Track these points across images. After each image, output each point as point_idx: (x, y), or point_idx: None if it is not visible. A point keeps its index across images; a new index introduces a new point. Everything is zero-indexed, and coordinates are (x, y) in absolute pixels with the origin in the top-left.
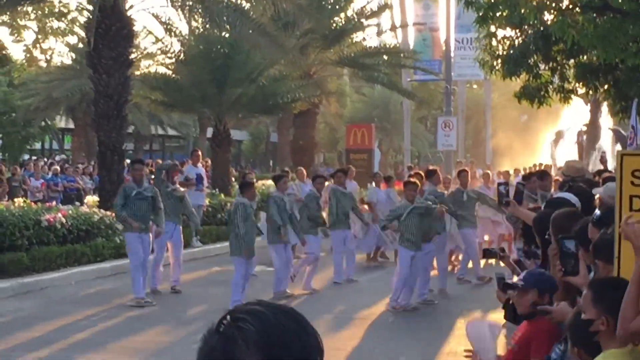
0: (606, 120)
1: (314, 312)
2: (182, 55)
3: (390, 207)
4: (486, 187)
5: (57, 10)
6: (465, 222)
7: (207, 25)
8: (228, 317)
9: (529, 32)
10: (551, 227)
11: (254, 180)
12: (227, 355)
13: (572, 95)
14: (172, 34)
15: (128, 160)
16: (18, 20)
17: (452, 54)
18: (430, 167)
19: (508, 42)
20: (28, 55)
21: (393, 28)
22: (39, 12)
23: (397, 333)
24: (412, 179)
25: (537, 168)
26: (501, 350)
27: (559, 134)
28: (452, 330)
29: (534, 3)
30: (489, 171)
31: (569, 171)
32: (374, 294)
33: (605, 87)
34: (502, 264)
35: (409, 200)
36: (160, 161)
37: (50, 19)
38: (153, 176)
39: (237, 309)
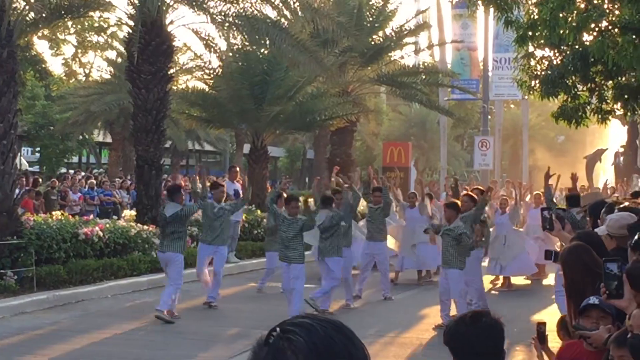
0: None
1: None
2: (220, 71)
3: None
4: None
5: (96, 24)
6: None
7: (247, 42)
8: (277, 329)
9: (568, 52)
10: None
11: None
12: None
13: (610, 117)
14: (212, 49)
15: (165, 175)
16: (58, 34)
17: (489, 74)
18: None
19: (546, 63)
20: (67, 69)
21: (431, 46)
22: (79, 26)
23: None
24: (453, 201)
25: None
26: None
27: (598, 153)
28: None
29: (573, 24)
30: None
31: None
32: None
33: None
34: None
35: (447, 220)
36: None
37: (90, 33)
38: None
39: (286, 322)
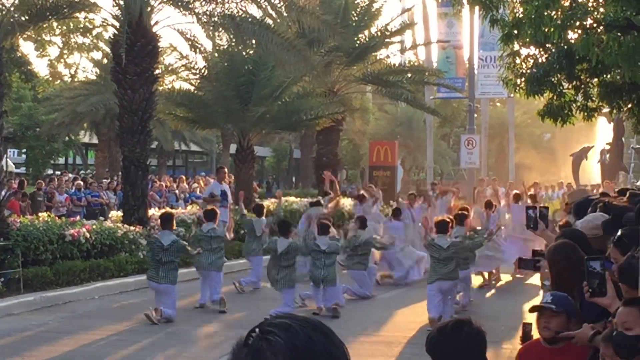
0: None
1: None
2: (206, 71)
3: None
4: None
5: (81, 25)
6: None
7: (232, 42)
8: (257, 330)
9: (553, 50)
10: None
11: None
12: None
13: (596, 114)
14: (197, 50)
15: (152, 176)
16: (43, 35)
17: (475, 72)
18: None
19: (532, 61)
20: (52, 70)
21: (416, 45)
22: (64, 27)
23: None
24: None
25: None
26: None
27: (584, 151)
28: None
29: (558, 22)
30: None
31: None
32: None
33: (629, 105)
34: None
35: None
36: (184, 177)
37: (75, 34)
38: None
39: (265, 322)
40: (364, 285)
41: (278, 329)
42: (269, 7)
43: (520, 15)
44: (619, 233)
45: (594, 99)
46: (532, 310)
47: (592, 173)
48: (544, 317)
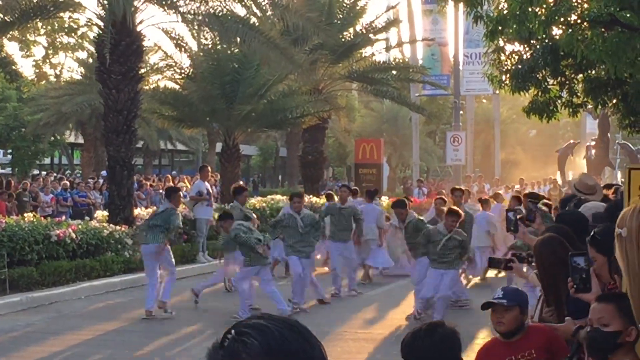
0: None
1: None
2: (191, 70)
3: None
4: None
5: (66, 25)
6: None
7: (217, 41)
8: (232, 331)
9: (538, 46)
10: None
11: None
12: None
13: (581, 110)
14: (182, 49)
15: (137, 175)
16: (28, 35)
17: (460, 69)
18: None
19: (516, 57)
20: (37, 70)
21: (401, 43)
22: (49, 27)
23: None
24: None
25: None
26: None
27: (569, 146)
28: None
29: (543, 18)
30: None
31: (580, 186)
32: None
33: (614, 101)
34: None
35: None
36: (170, 176)
37: (60, 34)
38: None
39: (241, 323)
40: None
41: (253, 330)
42: (253, 6)
43: (505, 12)
44: (592, 232)
45: (579, 94)
46: (483, 307)
47: (577, 169)
48: (496, 313)
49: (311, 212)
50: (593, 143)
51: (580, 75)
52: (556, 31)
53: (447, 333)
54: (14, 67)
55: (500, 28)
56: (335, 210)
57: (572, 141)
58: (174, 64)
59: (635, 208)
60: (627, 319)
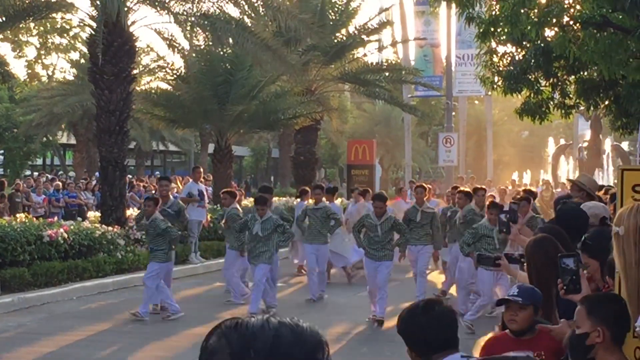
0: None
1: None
2: (184, 71)
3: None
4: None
5: (59, 26)
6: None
7: (210, 42)
8: (218, 329)
9: (530, 48)
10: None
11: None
12: None
13: (573, 112)
14: (175, 50)
15: (130, 176)
16: (20, 36)
17: (453, 70)
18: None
19: (509, 58)
20: (30, 71)
21: (394, 44)
22: (41, 28)
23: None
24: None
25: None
26: None
27: (561, 148)
28: None
29: (535, 19)
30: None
31: (589, 184)
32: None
33: (606, 103)
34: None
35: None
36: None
37: (52, 35)
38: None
39: (225, 321)
40: None
41: (240, 328)
42: (246, 6)
43: (497, 13)
44: (583, 238)
45: (571, 96)
46: (498, 303)
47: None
48: (510, 310)
49: (277, 216)
50: (585, 144)
51: (573, 77)
52: (548, 33)
53: (444, 311)
54: (6, 68)
55: (492, 30)
56: (310, 211)
57: (563, 142)
58: (166, 65)
59: (632, 207)
60: (597, 320)
